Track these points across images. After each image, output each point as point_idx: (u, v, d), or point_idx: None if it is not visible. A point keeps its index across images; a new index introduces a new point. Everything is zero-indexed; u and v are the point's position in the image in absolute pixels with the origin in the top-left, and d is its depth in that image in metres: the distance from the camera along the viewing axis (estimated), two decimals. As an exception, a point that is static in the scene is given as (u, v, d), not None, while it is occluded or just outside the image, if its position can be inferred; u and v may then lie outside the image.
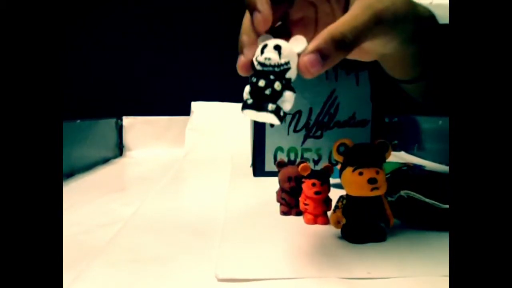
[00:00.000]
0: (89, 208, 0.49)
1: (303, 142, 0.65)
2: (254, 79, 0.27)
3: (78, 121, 0.75)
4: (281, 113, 0.27)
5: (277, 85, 0.27)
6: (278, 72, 0.27)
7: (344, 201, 0.36)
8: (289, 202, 0.44)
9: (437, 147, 0.81)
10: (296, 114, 0.64)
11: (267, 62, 0.27)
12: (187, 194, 0.60)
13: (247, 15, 0.30)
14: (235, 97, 0.94)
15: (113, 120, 0.94)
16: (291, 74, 0.27)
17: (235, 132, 0.91)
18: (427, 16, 0.35)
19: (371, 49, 0.34)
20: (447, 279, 0.24)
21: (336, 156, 0.36)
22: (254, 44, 0.29)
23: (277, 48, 0.27)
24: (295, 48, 0.27)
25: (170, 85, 1.02)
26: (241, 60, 0.29)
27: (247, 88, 0.28)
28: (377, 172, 0.34)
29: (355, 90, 0.63)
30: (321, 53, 0.27)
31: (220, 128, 0.95)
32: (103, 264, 0.32)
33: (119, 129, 0.95)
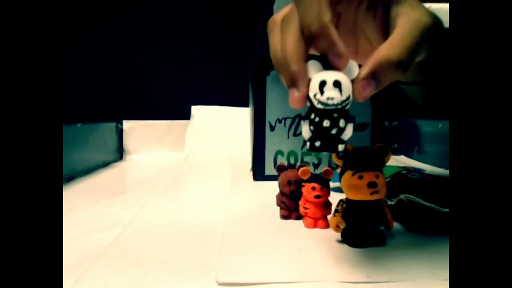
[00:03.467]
0: (89, 211, 0.49)
1: (303, 146, 0.65)
2: (317, 119, 0.26)
3: (79, 124, 0.75)
4: (346, 146, 0.27)
5: (342, 123, 0.26)
6: (341, 109, 0.26)
7: (344, 205, 0.36)
8: (289, 206, 0.44)
9: (437, 151, 0.81)
10: (296, 118, 0.64)
11: (330, 102, 0.26)
12: (187, 198, 0.60)
13: (290, 37, 0.27)
14: (235, 101, 0.95)
15: (113, 124, 0.94)
16: (349, 105, 0.27)
17: (235, 136, 0.91)
18: (441, 23, 0.33)
19: None
20: (447, 282, 0.24)
21: (335, 160, 0.36)
22: (306, 75, 0.26)
23: (337, 84, 0.25)
24: (348, 74, 0.26)
25: (170, 89, 1.02)
26: (296, 95, 0.26)
27: (307, 127, 0.27)
28: (377, 176, 0.34)
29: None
30: (376, 77, 0.26)
31: (220, 132, 0.95)
32: (103, 268, 0.32)
33: (119, 133, 0.96)
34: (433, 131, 0.83)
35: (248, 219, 0.44)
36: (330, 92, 0.25)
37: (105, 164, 0.85)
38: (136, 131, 0.96)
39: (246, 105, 0.84)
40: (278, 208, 0.45)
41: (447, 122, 0.69)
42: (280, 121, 0.64)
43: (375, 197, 0.34)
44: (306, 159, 0.65)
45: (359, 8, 0.31)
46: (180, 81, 1.02)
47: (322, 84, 0.26)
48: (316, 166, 0.66)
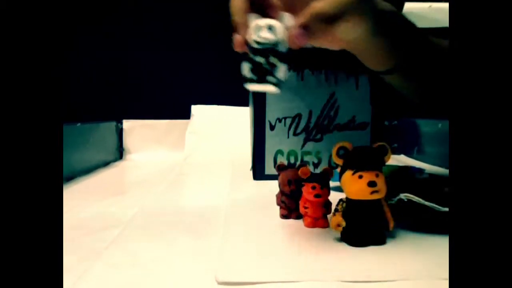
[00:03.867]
0: (89, 211, 0.49)
1: (303, 145, 0.65)
2: (253, 56, 0.32)
3: (79, 124, 0.75)
4: (279, 82, 0.32)
5: (274, 60, 0.32)
6: (273, 48, 0.32)
7: (344, 204, 0.36)
8: (289, 205, 0.44)
9: (436, 150, 0.81)
10: (296, 117, 0.64)
11: (264, 41, 0.32)
12: (187, 197, 0.60)
13: None
14: (235, 100, 0.95)
15: (113, 123, 0.94)
16: (283, 48, 0.32)
17: (235, 136, 0.91)
18: (390, 11, 0.37)
19: (341, 35, 0.35)
20: (447, 282, 0.24)
21: (335, 159, 0.36)
22: (246, 23, 0.33)
23: (271, 28, 0.32)
24: (283, 23, 0.32)
25: (170, 88, 1.02)
26: (238, 39, 0.33)
27: (247, 65, 0.32)
28: (377, 175, 0.34)
29: (355, 94, 0.64)
30: (307, 27, 0.32)
31: (220, 131, 0.95)
32: (104, 267, 0.32)
33: (119, 132, 0.96)
34: (433, 130, 0.83)
35: (248, 218, 0.44)
36: (264, 33, 0.32)
37: (105, 164, 0.85)
38: (136, 131, 0.96)
39: (246, 105, 0.84)
40: (278, 207, 0.45)
41: (447, 122, 0.69)
42: (280, 121, 0.64)
43: (375, 196, 0.34)
44: (306, 158, 0.65)
45: None
46: (180, 80, 1.02)
47: (258, 28, 0.32)
48: (316, 165, 0.66)
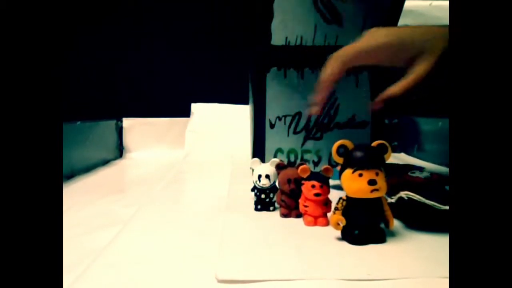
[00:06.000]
0: (89, 209, 0.49)
1: (303, 144, 0.65)
2: (258, 193, 0.46)
3: (78, 122, 0.75)
4: (274, 206, 0.47)
5: (271, 195, 0.46)
6: (270, 188, 0.46)
7: (344, 203, 0.36)
8: (289, 204, 0.44)
9: (437, 149, 0.81)
10: (296, 115, 0.64)
11: (264, 186, 0.46)
12: (187, 196, 0.60)
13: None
14: (235, 98, 0.95)
15: (113, 122, 0.94)
16: (276, 187, 0.46)
17: (235, 134, 0.91)
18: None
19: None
20: (447, 280, 0.24)
21: (336, 158, 0.36)
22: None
23: (267, 176, 0.45)
24: (272, 166, 0.46)
25: (170, 86, 1.02)
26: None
27: (254, 198, 0.47)
28: (377, 174, 0.34)
29: (355, 92, 0.63)
30: (384, 102, 0.45)
31: (220, 129, 0.95)
32: (103, 266, 0.32)
33: (119, 130, 0.96)
34: (433, 129, 0.83)
35: (247, 217, 0.44)
36: (264, 180, 0.45)
37: (105, 162, 0.85)
38: (136, 129, 0.96)
39: (246, 103, 0.83)
40: (278, 206, 0.45)
41: (447, 120, 0.69)
42: (280, 119, 0.64)
43: (375, 194, 0.34)
44: (306, 157, 0.65)
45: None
46: (180, 78, 1.02)
47: (259, 176, 0.45)
48: (316, 164, 0.66)
